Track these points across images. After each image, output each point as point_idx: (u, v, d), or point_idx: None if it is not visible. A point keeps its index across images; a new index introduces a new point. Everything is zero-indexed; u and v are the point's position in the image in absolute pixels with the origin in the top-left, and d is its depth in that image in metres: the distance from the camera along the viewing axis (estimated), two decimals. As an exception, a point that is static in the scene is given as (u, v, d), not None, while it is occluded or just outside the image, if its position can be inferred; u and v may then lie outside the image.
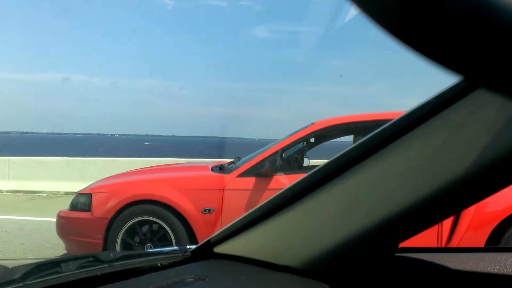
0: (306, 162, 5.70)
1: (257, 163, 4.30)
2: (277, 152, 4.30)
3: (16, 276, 0.83)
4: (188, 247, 1.14)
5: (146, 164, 10.40)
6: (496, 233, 3.64)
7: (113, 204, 4.29)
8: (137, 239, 4.27)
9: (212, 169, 4.68)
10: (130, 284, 0.94)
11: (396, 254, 1.04)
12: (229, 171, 4.43)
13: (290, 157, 5.10)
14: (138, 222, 4.26)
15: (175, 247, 1.15)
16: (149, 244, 4.25)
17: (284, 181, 4.17)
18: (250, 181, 4.24)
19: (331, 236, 0.89)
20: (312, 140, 5.03)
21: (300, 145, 5.25)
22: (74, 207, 4.55)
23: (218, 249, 1.08)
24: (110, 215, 4.27)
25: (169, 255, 1.09)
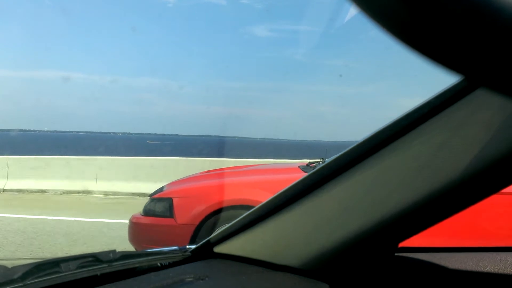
0: None
1: None
2: None
3: (15, 276, 0.83)
4: (187, 246, 1.14)
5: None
6: None
7: (200, 209, 3.90)
8: None
9: (304, 171, 4.15)
10: (129, 283, 0.93)
11: (396, 254, 1.04)
12: None
13: None
14: None
15: (174, 247, 1.15)
16: None
17: None
18: None
19: (331, 235, 0.89)
20: None
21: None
22: (150, 212, 4.16)
23: (218, 249, 1.08)
24: (197, 221, 3.88)
25: (168, 255, 1.09)
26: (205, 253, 1.10)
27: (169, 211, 4.01)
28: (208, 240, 1.10)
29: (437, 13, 0.26)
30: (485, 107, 0.70)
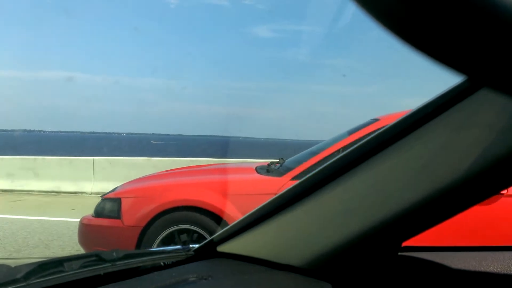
0: None
1: (315, 164, 3.73)
2: (337, 151, 3.74)
3: (18, 276, 0.84)
4: (191, 246, 1.14)
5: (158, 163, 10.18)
6: None
7: (147, 211, 3.77)
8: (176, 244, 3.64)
9: (257, 171, 4.19)
10: (133, 283, 0.94)
11: (399, 253, 1.04)
12: (279, 173, 3.94)
13: None
14: (177, 231, 3.75)
15: (177, 246, 1.16)
16: None
17: None
18: None
19: (334, 235, 0.89)
20: None
21: None
22: (99, 213, 4.02)
23: (221, 248, 1.08)
24: (143, 223, 3.75)
25: (172, 254, 1.10)
26: (208, 252, 1.10)
27: (117, 212, 3.89)
28: (211, 239, 1.10)
29: (440, 13, 0.26)
30: (488, 107, 0.70)
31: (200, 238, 3.69)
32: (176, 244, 3.61)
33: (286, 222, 0.96)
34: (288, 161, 4.27)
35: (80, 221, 4.15)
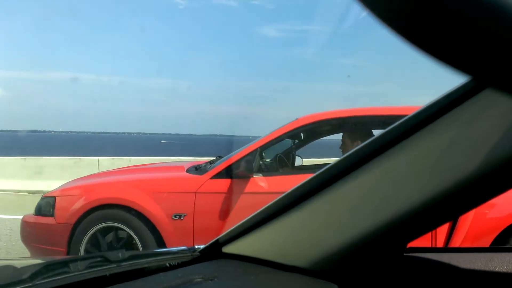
0: (299, 161, 5.29)
1: (233, 163, 3.84)
2: (255, 151, 3.85)
3: (24, 276, 0.84)
4: (196, 246, 1.15)
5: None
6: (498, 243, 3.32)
7: (76, 208, 3.90)
8: (102, 247, 3.85)
9: (187, 170, 4.24)
10: (138, 284, 0.94)
11: (405, 254, 1.03)
12: (204, 172, 3.99)
13: (274, 156, 4.65)
14: (103, 228, 3.87)
15: (183, 247, 1.16)
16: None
17: (263, 184, 3.73)
18: (225, 183, 3.77)
19: (340, 236, 0.88)
20: (302, 136, 4.67)
21: (287, 143, 4.89)
22: (38, 211, 4.17)
23: (227, 249, 1.08)
24: (73, 220, 3.88)
25: (177, 255, 1.10)
26: (214, 253, 1.10)
27: (51, 210, 4.02)
28: (217, 240, 1.10)
29: (446, 14, 0.26)
30: (493, 107, 0.70)
31: (126, 235, 3.82)
32: (106, 241, 3.84)
33: (292, 222, 0.96)
34: (220, 159, 4.28)
35: (22, 219, 4.29)
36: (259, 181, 3.75)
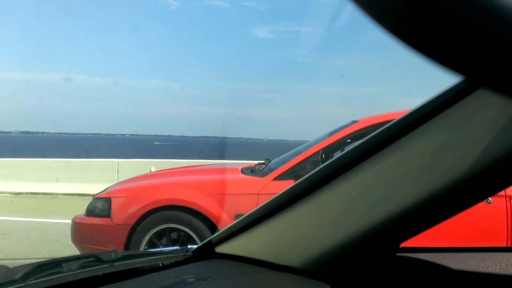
0: None
1: (296, 165, 3.90)
2: (317, 152, 3.90)
3: (17, 276, 0.84)
4: (189, 246, 1.14)
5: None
6: None
7: (135, 209, 3.92)
8: (162, 244, 3.91)
9: (242, 172, 4.32)
10: (131, 284, 0.94)
11: (397, 254, 1.04)
12: (263, 173, 4.06)
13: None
14: (164, 229, 3.90)
15: (176, 247, 1.16)
16: None
17: None
18: (288, 184, 3.72)
19: (333, 236, 0.89)
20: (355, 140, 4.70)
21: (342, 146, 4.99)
22: (91, 212, 4.18)
23: (220, 249, 1.08)
24: (132, 221, 3.89)
25: (170, 255, 1.10)
26: (207, 253, 1.10)
27: (107, 211, 4.03)
28: (210, 240, 1.10)
29: (438, 14, 0.26)
30: (486, 107, 0.70)
31: (186, 236, 3.85)
32: (165, 243, 3.85)
33: (285, 223, 0.96)
34: (273, 162, 4.37)
35: (73, 220, 4.27)
36: None
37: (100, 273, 0.94)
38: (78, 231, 4.22)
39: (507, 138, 0.67)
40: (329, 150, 4.03)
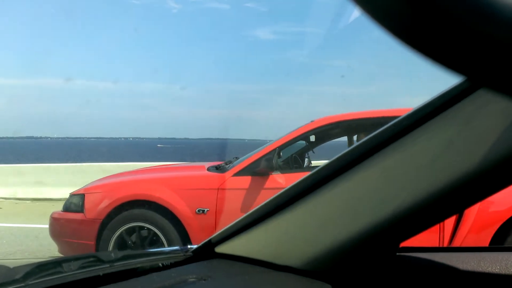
0: (307, 162, 5.60)
1: (254, 162, 4.18)
2: (274, 150, 4.17)
3: (17, 276, 0.84)
4: (189, 247, 1.14)
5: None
6: (500, 235, 3.50)
7: (105, 204, 4.20)
8: (130, 241, 4.15)
9: (208, 169, 4.55)
10: (131, 284, 0.94)
11: (398, 254, 1.03)
12: (225, 170, 4.32)
13: (289, 156, 4.97)
14: (131, 228, 4.15)
15: (176, 247, 1.16)
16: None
17: (281, 180, 4.07)
18: (246, 180, 4.12)
19: (333, 236, 0.89)
20: (312, 138, 4.88)
21: (301, 144, 5.18)
22: (67, 208, 4.47)
23: (220, 249, 1.08)
24: (103, 216, 4.17)
25: (170, 255, 1.10)
26: (207, 253, 1.10)
27: (81, 206, 4.30)
28: (210, 240, 1.10)
29: (439, 14, 0.26)
30: (487, 107, 0.70)
31: (155, 234, 4.10)
32: (134, 240, 4.12)
33: (285, 222, 0.96)
34: (238, 160, 4.58)
35: (51, 216, 4.55)
36: (278, 178, 4.07)
37: (100, 273, 0.94)
38: (56, 226, 4.49)
39: (508, 138, 0.67)
40: (284, 148, 4.32)
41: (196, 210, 4.04)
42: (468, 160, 0.71)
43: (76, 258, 0.96)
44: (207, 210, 4.03)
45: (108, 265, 0.97)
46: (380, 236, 0.85)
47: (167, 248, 1.15)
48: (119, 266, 0.99)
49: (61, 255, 4.32)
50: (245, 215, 1.03)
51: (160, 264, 1.06)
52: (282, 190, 0.97)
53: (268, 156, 4.13)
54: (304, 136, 4.44)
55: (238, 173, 4.16)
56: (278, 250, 0.98)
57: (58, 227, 4.48)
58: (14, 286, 0.82)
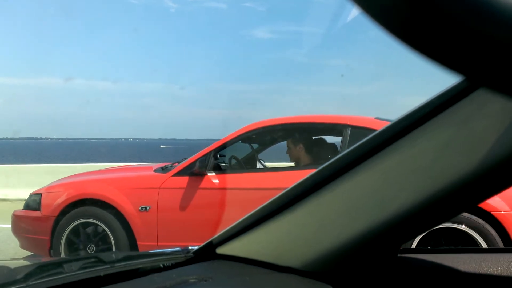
0: (261, 164, 5.92)
1: (191, 163, 4.51)
2: (209, 153, 4.49)
3: (18, 277, 0.84)
4: (190, 247, 1.15)
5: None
6: None
7: (59, 203, 4.57)
8: (81, 237, 4.51)
9: (154, 170, 4.88)
10: (132, 285, 0.94)
11: (398, 255, 1.03)
12: (168, 171, 4.65)
13: (229, 157, 5.23)
14: (82, 224, 4.51)
15: (177, 248, 1.16)
16: (91, 245, 4.51)
17: (215, 181, 4.38)
18: (184, 180, 4.45)
19: (334, 237, 0.89)
20: (240, 142, 5.16)
21: (245, 147, 5.49)
22: (27, 206, 4.87)
23: (221, 250, 1.08)
24: (56, 213, 4.56)
25: (171, 256, 1.10)
26: (208, 254, 1.10)
27: (38, 204, 4.73)
28: (211, 241, 1.10)
29: (438, 14, 0.27)
30: (487, 107, 0.70)
31: (103, 230, 4.49)
32: (84, 235, 4.52)
33: (286, 224, 0.96)
34: (183, 160, 4.92)
35: (13, 214, 4.99)
36: (212, 178, 4.40)
37: (101, 274, 0.94)
38: (16, 223, 4.92)
39: (508, 138, 0.67)
40: (218, 151, 4.63)
41: (139, 208, 4.42)
42: (468, 161, 0.71)
43: (78, 259, 0.96)
44: (149, 208, 4.41)
45: (109, 266, 0.97)
46: (381, 237, 0.85)
47: (168, 249, 1.15)
48: (120, 266, 0.99)
49: (23, 250, 4.95)
50: (246, 216, 1.03)
51: (161, 265, 1.06)
52: (283, 191, 0.97)
53: (202, 158, 4.47)
54: (236, 140, 4.75)
55: (178, 174, 4.52)
56: (279, 251, 0.98)
57: (18, 224, 4.90)
58: (15, 287, 0.82)
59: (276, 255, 0.98)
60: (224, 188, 4.32)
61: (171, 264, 1.07)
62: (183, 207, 4.36)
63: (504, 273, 0.98)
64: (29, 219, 4.77)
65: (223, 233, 1.08)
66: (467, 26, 0.27)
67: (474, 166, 0.70)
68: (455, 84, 0.74)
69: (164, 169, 4.81)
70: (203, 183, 4.37)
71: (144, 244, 4.42)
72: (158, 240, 4.42)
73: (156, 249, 1.15)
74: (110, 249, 4.43)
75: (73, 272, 0.92)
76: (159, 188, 4.45)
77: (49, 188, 4.91)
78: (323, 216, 0.91)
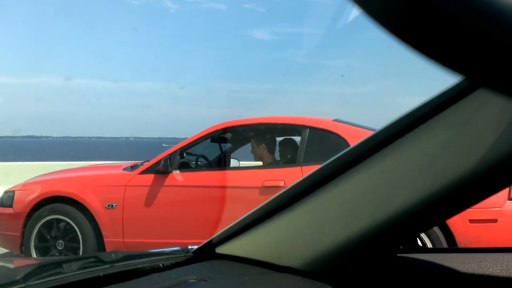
0: (235, 163, 6.07)
1: (157, 162, 4.60)
2: (175, 152, 4.61)
3: (18, 277, 0.84)
4: (189, 247, 1.14)
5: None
6: None
7: (29, 200, 4.70)
8: (51, 234, 4.63)
9: (124, 168, 4.99)
10: (132, 285, 0.94)
11: (398, 255, 1.03)
12: (136, 169, 4.77)
13: (196, 156, 5.36)
14: (51, 220, 4.64)
15: (176, 248, 1.16)
16: (60, 241, 4.61)
17: (179, 178, 4.49)
18: (150, 178, 4.55)
19: (333, 236, 0.89)
20: (208, 141, 5.27)
21: (213, 146, 5.59)
22: (1, 203, 4.99)
23: (220, 250, 1.08)
24: (27, 210, 4.69)
25: (170, 256, 1.10)
26: (207, 254, 1.10)
27: (11, 201, 4.84)
28: (210, 241, 1.10)
29: (438, 13, 0.26)
30: (487, 107, 0.70)
31: (71, 226, 4.61)
32: (53, 231, 4.63)
33: (285, 223, 0.96)
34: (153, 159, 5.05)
35: None
36: (177, 176, 4.51)
37: (101, 274, 0.94)
38: None
39: (508, 137, 0.67)
40: (184, 150, 4.78)
41: (106, 205, 4.54)
42: (468, 160, 0.70)
43: (77, 259, 0.96)
44: (116, 205, 4.53)
45: (108, 266, 0.97)
46: (380, 236, 0.85)
47: (167, 249, 1.15)
48: (120, 266, 0.99)
49: None
50: (245, 215, 1.03)
51: (161, 265, 1.06)
52: (282, 191, 0.97)
53: (167, 157, 4.57)
54: (201, 140, 4.85)
55: (144, 172, 4.62)
56: (278, 251, 0.98)
57: None
58: (15, 287, 0.82)
59: (275, 255, 0.98)
60: (188, 186, 4.42)
61: (171, 264, 1.07)
62: (148, 204, 4.46)
63: (504, 273, 0.98)
64: (3, 215, 4.90)
65: (222, 232, 1.08)
66: (467, 26, 0.27)
67: (474, 166, 0.70)
68: (455, 84, 0.74)
69: (133, 168, 4.92)
70: (168, 181, 4.47)
71: (110, 240, 4.52)
72: (124, 237, 4.51)
73: (154, 249, 1.15)
74: (78, 245, 4.54)
75: (73, 272, 0.92)
76: (125, 186, 4.55)
77: (23, 186, 5.03)
78: (323, 216, 0.91)
